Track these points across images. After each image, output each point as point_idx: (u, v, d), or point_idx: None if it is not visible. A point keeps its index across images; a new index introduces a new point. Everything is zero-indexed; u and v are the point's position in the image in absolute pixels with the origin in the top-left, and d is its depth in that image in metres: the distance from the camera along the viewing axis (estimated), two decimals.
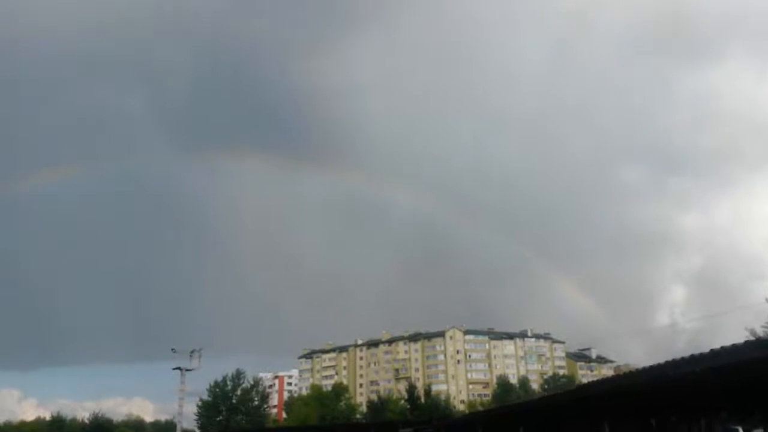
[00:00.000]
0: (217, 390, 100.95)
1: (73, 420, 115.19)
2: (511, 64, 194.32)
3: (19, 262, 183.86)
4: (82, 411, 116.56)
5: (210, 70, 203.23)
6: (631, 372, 12.32)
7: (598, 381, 14.45)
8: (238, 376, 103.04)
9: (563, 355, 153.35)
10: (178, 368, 51.93)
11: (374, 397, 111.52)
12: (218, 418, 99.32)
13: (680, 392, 11.59)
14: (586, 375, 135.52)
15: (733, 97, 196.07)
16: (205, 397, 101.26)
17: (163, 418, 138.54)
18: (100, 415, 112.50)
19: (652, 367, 11.12)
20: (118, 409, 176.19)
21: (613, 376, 13.24)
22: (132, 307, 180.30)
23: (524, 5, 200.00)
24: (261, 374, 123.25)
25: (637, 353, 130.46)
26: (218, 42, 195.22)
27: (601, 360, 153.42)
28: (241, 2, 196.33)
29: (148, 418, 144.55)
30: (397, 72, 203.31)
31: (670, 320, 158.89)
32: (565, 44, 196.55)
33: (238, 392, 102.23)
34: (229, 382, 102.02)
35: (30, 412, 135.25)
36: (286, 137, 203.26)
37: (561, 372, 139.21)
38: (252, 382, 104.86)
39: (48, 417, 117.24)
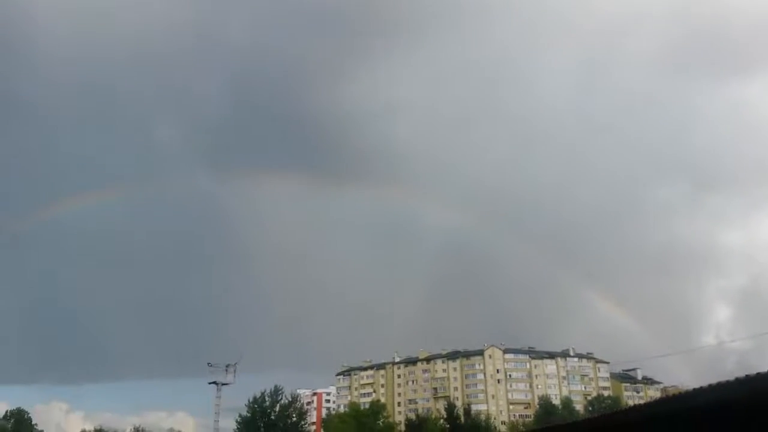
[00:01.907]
0: (256, 406, 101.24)
1: None
2: (542, 83, 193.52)
3: (64, 284, 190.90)
4: (126, 424, 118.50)
5: (242, 98, 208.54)
6: (686, 393, 11.45)
7: (651, 402, 13.59)
8: (276, 392, 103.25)
9: (607, 375, 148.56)
10: (214, 382, 52.24)
11: (412, 415, 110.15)
12: None
13: (737, 416, 10.75)
14: (632, 396, 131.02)
15: None
16: (245, 412, 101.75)
17: None
18: (141, 428, 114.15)
19: (709, 387, 10.33)
20: (161, 423, 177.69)
21: (666, 397, 12.38)
22: (172, 325, 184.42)
23: (552, 26, 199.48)
24: (299, 391, 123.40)
25: (683, 374, 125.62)
26: (251, 71, 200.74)
27: (648, 381, 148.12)
28: (272, 32, 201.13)
29: None
30: (427, 93, 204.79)
31: (716, 340, 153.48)
32: (596, 62, 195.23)
33: (277, 408, 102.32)
34: (267, 398, 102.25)
35: (76, 424, 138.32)
36: (320, 159, 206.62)
37: (605, 393, 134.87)
38: (290, 398, 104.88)
39: (92, 430, 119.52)
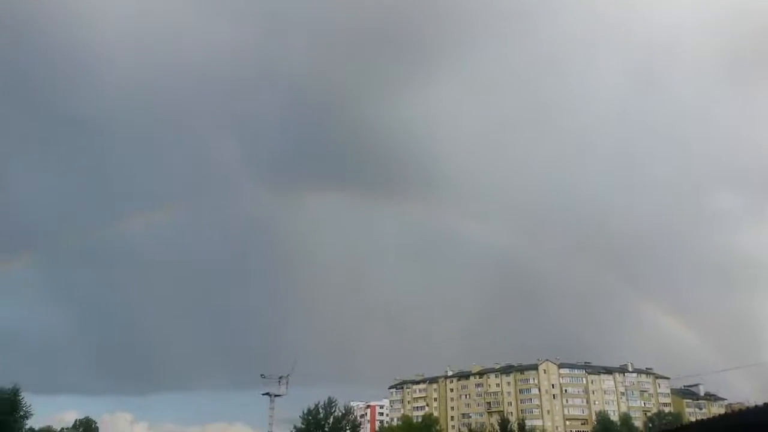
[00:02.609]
0: (310, 418, 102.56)
1: None
2: (593, 94, 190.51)
3: (129, 299, 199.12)
4: None
5: (297, 120, 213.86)
6: (750, 408, 11.63)
7: (713, 418, 13.75)
8: (330, 404, 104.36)
9: (668, 391, 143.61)
10: (267, 393, 53.46)
11: (465, 430, 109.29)
12: None
13: None
14: (694, 413, 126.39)
15: None
16: (299, 424, 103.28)
17: None
18: None
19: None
20: None
21: (729, 412, 12.54)
22: (231, 338, 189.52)
23: (605, 34, 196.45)
24: (352, 403, 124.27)
25: (748, 390, 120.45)
26: (303, 93, 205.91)
27: (711, 397, 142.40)
28: (322, 56, 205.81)
29: None
30: (475, 106, 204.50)
31: None
32: (651, 74, 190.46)
33: (330, 420, 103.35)
34: (321, 410, 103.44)
35: None
36: (369, 178, 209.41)
37: (666, 409, 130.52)
38: (343, 411, 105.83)
39: None
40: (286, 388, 51.65)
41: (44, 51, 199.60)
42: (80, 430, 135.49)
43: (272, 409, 51.73)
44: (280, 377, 52.27)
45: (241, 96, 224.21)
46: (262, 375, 52.24)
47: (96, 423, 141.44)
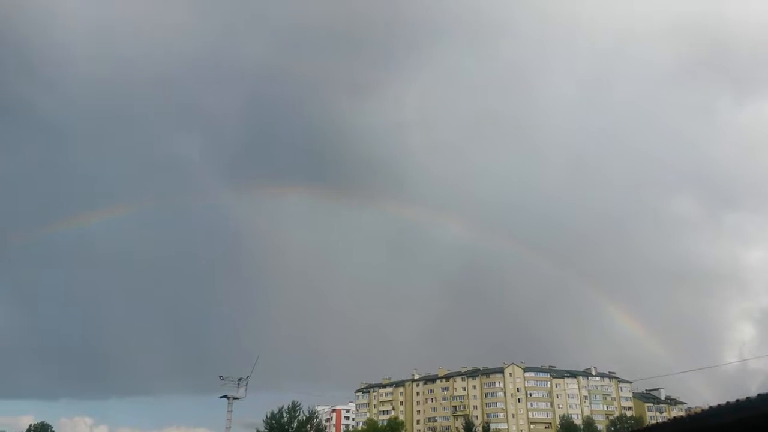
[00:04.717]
0: (273, 422, 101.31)
1: None
2: (551, 101, 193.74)
3: (86, 301, 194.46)
4: None
5: (259, 115, 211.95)
6: (707, 410, 11.39)
7: (672, 420, 13.50)
8: (294, 408, 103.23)
9: (630, 395, 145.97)
10: (225, 396, 52.32)
11: None
12: None
13: None
14: (655, 417, 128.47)
15: None
16: (263, 428, 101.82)
17: None
18: None
19: (730, 405, 10.29)
20: None
21: (687, 415, 12.31)
22: (193, 341, 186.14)
23: (562, 42, 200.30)
24: (318, 407, 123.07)
25: (707, 394, 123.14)
26: (265, 90, 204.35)
27: (671, 401, 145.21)
28: (285, 53, 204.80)
29: None
30: (436, 110, 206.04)
31: (739, 360, 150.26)
32: (607, 78, 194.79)
33: (294, 424, 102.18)
34: (285, 414, 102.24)
35: None
36: (332, 177, 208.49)
37: (628, 413, 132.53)
38: (308, 414, 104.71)
39: None
40: (245, 390, 50.24)
41: None
42: None
43: (230, 412, 50.23)
44: (239, 379, 50.91)
45: (202, 91, 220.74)
46: (220, 377, 50.91)
47: (52, 428, 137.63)
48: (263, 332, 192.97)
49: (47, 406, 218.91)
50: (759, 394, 9.47)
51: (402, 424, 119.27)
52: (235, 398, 51.90)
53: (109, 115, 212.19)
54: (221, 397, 53.09)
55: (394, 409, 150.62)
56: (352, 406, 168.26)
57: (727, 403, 10.22)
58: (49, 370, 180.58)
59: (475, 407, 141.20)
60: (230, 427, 52.04)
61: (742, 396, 10.07)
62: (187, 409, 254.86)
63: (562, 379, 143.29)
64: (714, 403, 10.93)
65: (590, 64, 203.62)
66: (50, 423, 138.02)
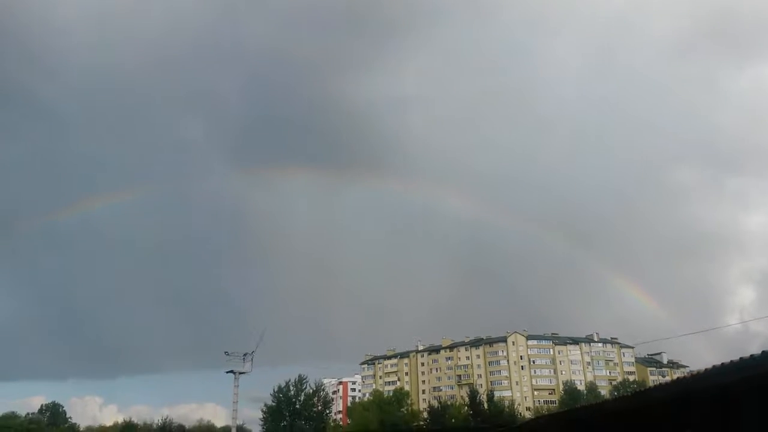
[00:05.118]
0: (281, 395, 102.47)
1: (146, 424, 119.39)
2: (553, 70, 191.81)
3: (95, 281, 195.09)
4: (158, 416, 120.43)
5: (260, 96, 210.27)
6: (708, 370, 11.33)
7: (673, 381, 13.48)
8: (300, 381, 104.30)
9: (632, 360, 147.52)
10: (231, 371, 52.92)
11: (435, 402, 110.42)
12: (282, 423, 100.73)
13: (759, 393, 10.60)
14: (657, 380, 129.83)
15: None
16: (269, 402, 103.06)
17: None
18: (168, 421, 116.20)
19: (731, 364, 10.20)
20: (191, 414, 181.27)
21: (688, 375, 12.27)
22: (201, 319, 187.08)
23: (562, 11, 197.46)
24: (325, 380, 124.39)
25: (709, 357, 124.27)
26: (266, 70, 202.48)
27: (674, 365, 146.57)
28: (285, 33, 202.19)
29: (220, 423, 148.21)
30: (438, 83, 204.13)
31: (740, 322, 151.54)
32: (609, 48, 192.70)
33: (302, 397, 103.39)
34: (292, 388, 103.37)
35: (110, 417, 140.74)
36: (337, 154, 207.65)
37: (631, 378, 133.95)
38: (314, 388, 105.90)
39: (123, 421, 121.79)
40: (251, 365, 50.96)
41: None
42: (47, 414, 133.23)
43: (237, 387, 50.94)
44: (245, 354, 51.52)
45: (204, 72, 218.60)
46: (225, 352, 51.51)
47: (63, 407, 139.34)
48: (269, 311, 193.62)
49: (57, 387, 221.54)
50: (763, 351, 9.37)
51: (407, 394, 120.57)
52: (241, 373, 52.51)
53: (110, 101, 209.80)
54: (227, 372, 53.75)
55: (399, 379, 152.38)
56: (358, 378, 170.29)
57: (731, 361, 10.13)
58: (59, 351, 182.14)
59: (480, 376, 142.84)
60: (237, 401, 52.80)
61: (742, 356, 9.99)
62: (196, 385, 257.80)
63: (564, 346, 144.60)
64: (714, 364, 10.86)
65: (594, 36, 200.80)
66: (61, 403, 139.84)
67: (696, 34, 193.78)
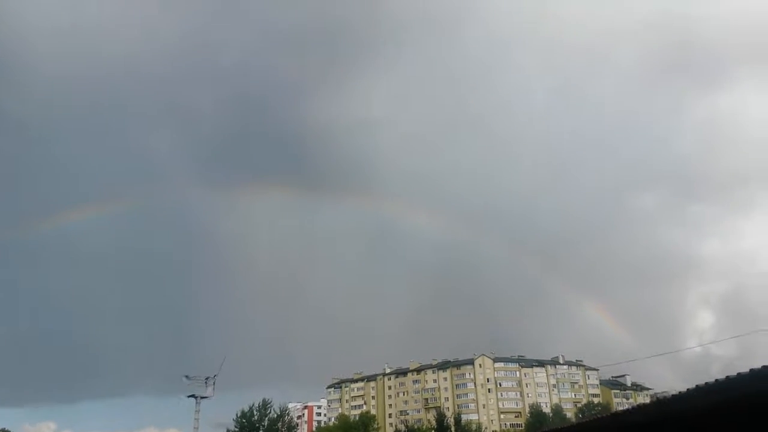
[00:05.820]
0: (244, 420, 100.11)
1: None
2: (520, 100, 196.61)
3: (51, 303, 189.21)
4: None
5: (233, 115, 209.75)
6: (673, 396, 11.31)
7: (638, 406, 13.45)
8: (265, 406, 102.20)
9: (597, 382, 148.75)
10: (192, 396, 51.36)
11: (402, 427, 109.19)
12: None
13: (722, 416, 10.59)
14: (621, 403, 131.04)
15: (746, 120, 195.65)
16: (233, 427, 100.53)
17: None
18: None
19: (695, 390, 10.16)
20: None
21: (653, 401, 12.21)
22: (161, 341, 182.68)
23: (529, 43, 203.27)
24: (290, 404, 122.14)
25: (672, 380, 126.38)
26: (238, 88, 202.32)
27: (637, 387, 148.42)
28: (257, 53, 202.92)
29: None
30: (407, 107, 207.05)
31: (700, 344, 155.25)
32: (575, 79, 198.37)
33: (265, 422, 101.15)
34: (255, 412, 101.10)
35: None
36: (304, 174, 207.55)
37: (595, 400, 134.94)
38: (278, 412, 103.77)
39: None
40: (213, 389, 49.35)
41: None
42: None
43: (198, 411, 49.31)
44: (206, 378, 49.93)
45: (176, 88, 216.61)
46: (186, 376, 49.68)
47: None
48: (235, 331, 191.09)
49: (10, 414, 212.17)
50: (728, 376, 9.34)
51: (374, 418, 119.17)
52: (203, 398, 50.93)
53: (84, 112, 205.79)
54: (188, 396, 52.11)
55: (366, 403, 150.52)
56: (324, 402, 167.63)
57: (697, 386, 10.12)
58: (15, 374, 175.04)
59: (447, 399, 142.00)
60: (198, 427, 51.13)
61: (703, 380, 10.02)
62: (157, 410, 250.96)
63: (531, 369, 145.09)
64: (678, 388, 10.87)
65: (559, 61, 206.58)
66: (11, 430, 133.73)
67: (659, 64, 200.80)
